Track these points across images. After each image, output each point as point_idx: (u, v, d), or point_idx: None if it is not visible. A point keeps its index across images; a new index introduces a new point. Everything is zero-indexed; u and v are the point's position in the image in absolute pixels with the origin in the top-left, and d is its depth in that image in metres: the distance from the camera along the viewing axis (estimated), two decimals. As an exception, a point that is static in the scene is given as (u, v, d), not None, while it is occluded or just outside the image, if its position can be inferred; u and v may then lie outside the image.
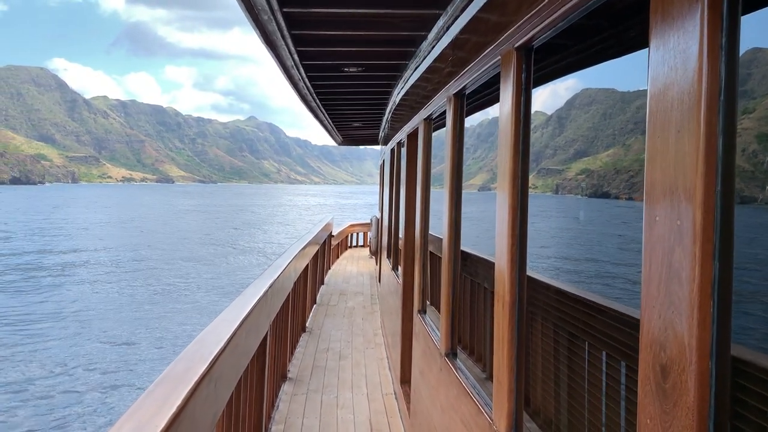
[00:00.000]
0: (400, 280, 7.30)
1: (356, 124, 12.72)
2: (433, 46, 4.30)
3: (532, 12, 2.26)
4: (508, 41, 2.58)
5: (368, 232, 23.60)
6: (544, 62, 2.49)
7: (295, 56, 5.53)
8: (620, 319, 2.09)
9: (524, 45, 2.45)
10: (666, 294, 1.29)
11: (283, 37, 4.81)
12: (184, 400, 2.35)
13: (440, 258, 4.98)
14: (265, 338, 5.14)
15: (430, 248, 5.34)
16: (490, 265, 3.55)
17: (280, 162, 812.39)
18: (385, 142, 12.25)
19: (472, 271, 3.76)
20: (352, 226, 23.90)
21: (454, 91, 3.75)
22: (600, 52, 2.29)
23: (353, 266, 18.97)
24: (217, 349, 3.03)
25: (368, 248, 22.07)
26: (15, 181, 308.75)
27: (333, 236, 17.45)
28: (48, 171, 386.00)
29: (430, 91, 4.97)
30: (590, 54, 2.35)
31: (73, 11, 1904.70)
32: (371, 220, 18.82)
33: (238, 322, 3.63)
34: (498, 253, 2.64)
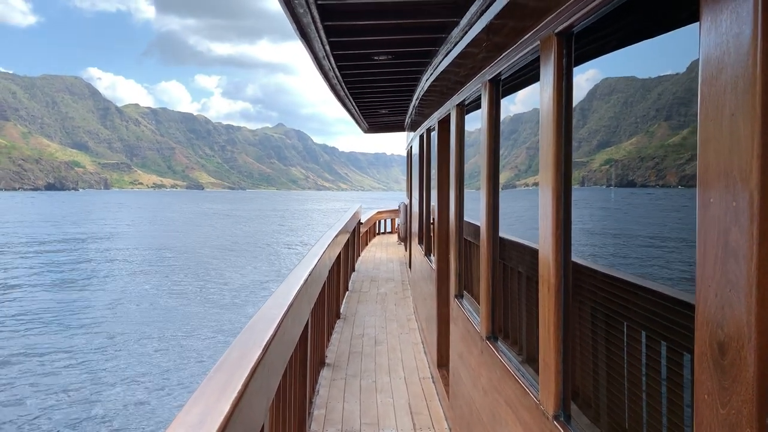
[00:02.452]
0: (434, 266, 7.33)
1: (383, 111, 12.71)
2: (466, 32, 4.29)
3: None
4: (548, 27, 2.55)
5: (396, 219, 23.63)
6: (579, 47, 2.46)
7: (327, 47, 5.61)
8: (659, 298, 2.07)
9: (565, 30, 2.42)
10: (722, 273, 1.30)
11: (316, 29, 4.88)
12: (243, 386, 2.42)
13: (473, 243, 5.03)
14: (306, 325, 5.24)
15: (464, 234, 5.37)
16: (523, 249, 3.58)
17: (308, 168, 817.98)
18: (412, 128, 12.18)
19: (505, 255, 3.79)
20: (379, 213, 23.88)
21: (490, 77, 3.74)
22: (634, 33, 2.22)
23: (382, 253, 18.99)
24: (267, 337, 3.13)
25: (396, 234, 22.19)
26: (50, 187, 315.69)
27: (361, 223, 17.51)
28: (81, 177, 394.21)
29: (462, 77, 4.97)
30: (624, 36, 2.27)
31: (107, 22, 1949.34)
32: (399, 206, 18.75)
33: (284, 310, 3.73)
34: (542, 238, 2.66)
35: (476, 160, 4.83)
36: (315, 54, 6.02)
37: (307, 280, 4.99)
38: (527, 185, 3.68)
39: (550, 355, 2.55)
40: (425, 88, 7.32)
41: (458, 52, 4.72)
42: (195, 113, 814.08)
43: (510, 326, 3.75)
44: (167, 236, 64.67)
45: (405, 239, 16.42)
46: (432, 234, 8.13)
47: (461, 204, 5.28)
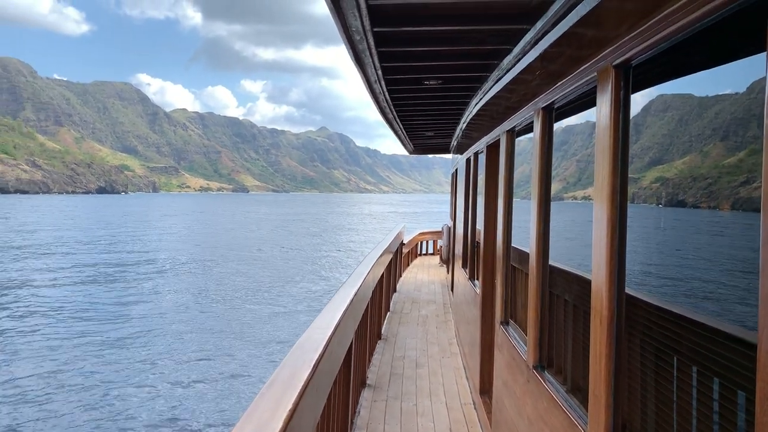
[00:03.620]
0: (479, 291, 7.27)
1: (429, 134, 12.88)
2: (519, 60, 4.33)
3: (636, 32, 2.22)
4: (606, 58, 2.55)
5: (438, 240, 23.45)
6: (636, 76, 2.43)
7: (379, 71, 5.70)
8: (712, 333, 2.01)
9: (623, 63, 2.41)
10: None
11: (370, 54, 4.98)
12: (294, 405, 2.46)
13: (517, 269, 5.05)
14: (350, 345, 5.23)
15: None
16: (569, 277, 3.54)
17: (350, 171, 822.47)
18: (458, 151, 12.21)
19: (551, 282, 3.75)
20: (422, 234, 23.85)
21: (543, 105, 3.76)
22: (694, 64, 2.19)
23: (424, 274, 18.95)
24: (316, 357, 3.15)
25: (439, 256, 22.02)
26: (101, 190, 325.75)
27: (404, 244, 17.54)
28: (131, 181, 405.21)
29: (513, 103, 5.00)
30: (683, 66, 2.25)
31: (156, 28, 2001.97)
32: (442, 228, 18.65)
33: (331, 331, 3.75)
34: (595, 268, 2.64)
35: (523, 169, 4.90)
36: (367, 78, 6.10)
37: (353, 300, 5.00)
38: (575, 198, 3.57)
39: (600, 388, 2.52)
40: (473, 113, 7.30)
41: (510, 78, 4.72)
42: (240, 117, 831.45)
43: (555, 355, 3.71)
44: (230, 240, 65.75)
45: (447, 261, 16.26)
46: (477, 258, 8.16)
47: (509, 230, 5.25)
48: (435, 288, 16.22)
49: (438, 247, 23.49)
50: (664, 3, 1.98)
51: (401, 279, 17.14)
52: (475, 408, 7.15)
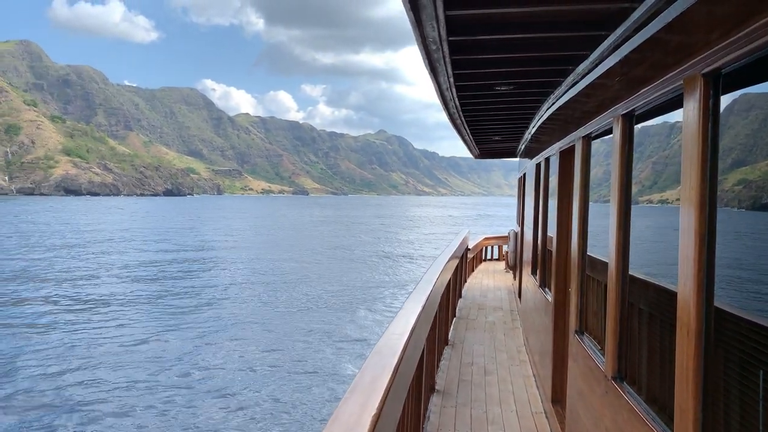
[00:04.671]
0: (551, 299, 7.17)
1: (496, 138, 12.71)
2: (596, 65, 4.31)
3: (729, 40, 2.15)
4: (694, 66, 2.48)
5: (503, 246, 23.28)
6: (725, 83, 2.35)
7: (451, 79, 5.78)
8: None
9: (713, 72, 2.34)
10: None
11: (444, 63, 5.07)
12: (378, 410, 2.48)
13: (591, 278, 5.02)
14: (423, 351, 5.26)
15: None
16: (646, 286, 3.51)
17: (408, 174, 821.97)
18: (526, 155, 12.09)
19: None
20: (487, 239, 23.60)
21: (623, 112, 3.72)
22: None
23: (489, 280, 18.82)
24: (395, 362, 3.17)
25: (504, 262, 21.75)
26: (168, 192, 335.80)
27: (469, 249, 17.29)
28: (196, 183, 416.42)
29: (590, 109, 4.99)
30: None
31: (220, 35, 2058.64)
32: (509, 233, 18.45)
33: (406, 336, 3.78)
34: (682, 279, 2.58)
35: (595, 172, 4.90)
36: (439, 85, 6.22)
37: (425, 305, 5.02)
38: (651, 202, 3.50)
39: (687, 402, 2.46)
40: (545, 117, 7.26)
41: (586, 84, 4.71)
42: (301, 121, 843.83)
43: (633, 366, 3.66)
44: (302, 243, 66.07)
45: (514, 267, 16.19)
46: (548, 265, 7.96)
47: (585, 237, 5.18)
48: (501, 294, 16.02)
49: (503, 253, 23.36)
50: (761, 11, 1.91)
51: (466, 284, 16.93)
52: (546, 417, 7.04)
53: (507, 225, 24.99)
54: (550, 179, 8.02)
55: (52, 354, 20.28)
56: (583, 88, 4.85)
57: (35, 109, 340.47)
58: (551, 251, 7.45)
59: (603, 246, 4.48)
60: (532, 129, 9.07)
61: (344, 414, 2.43)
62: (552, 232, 7.43)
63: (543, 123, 7.66)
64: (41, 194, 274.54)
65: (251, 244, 63.91)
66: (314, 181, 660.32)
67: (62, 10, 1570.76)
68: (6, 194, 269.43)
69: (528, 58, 5.37)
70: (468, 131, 10.88)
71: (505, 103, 8.02)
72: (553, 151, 7.43)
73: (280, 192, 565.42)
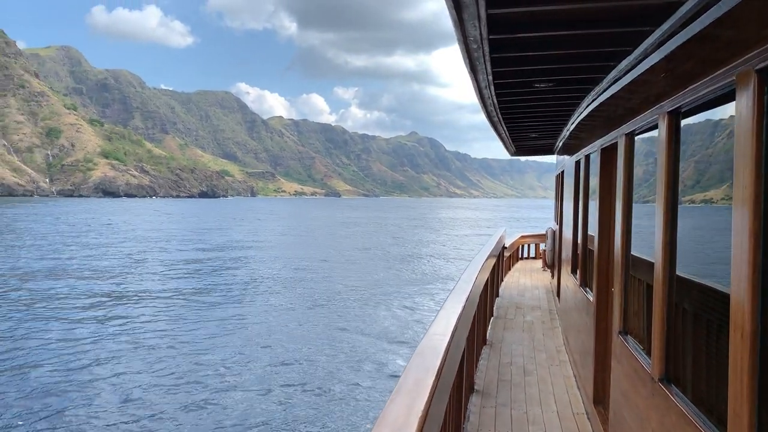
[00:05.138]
0: (592, 299, 7.09)
1: (533, 135, 12.64)
2: (640, 61, 4.26)
3: None
4: (748, 62, 2.43)
5: (541, 244, 22.99)
6: None
7: (490, 77, 5.80)
8: None
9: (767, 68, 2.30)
10: None
11: (484, 61, 5.11)
12: (425, 411, 2.49)
13: (633, 277, 4.99)
14: (464, 351, 5.25)
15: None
16: (691, 286, 3.49)
17: (439, 176, 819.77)
18: (564, 152, 12.02)
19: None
20: (523, 237, 23.32)
21: (669, 109, 3.66)
22: None
23: (527, 279, 18.60)
24: (438, 363, 3.17)
25: (542, 260, 21.36)
26: (203, 194, 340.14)
27: (506, 248, 17.06)
28: (231, 186, 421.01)
29: (633, 106, 4.95)
30: None
31: (254, 39, 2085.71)
32: (546, 231, 18.21)
33: (448, 337, 3.77)
34: (735, 280, 2.55)
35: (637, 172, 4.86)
36: (478, 84, 6.24)
37: (465, 305, 5.02)
38: (693, 202, 3.45)
39: (742, 407, 2.41)
40: (584, 114, 7.24)
41: (629, 80, 4.66)
42: (333, 124, 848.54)
43: (681, 367, 3.61)
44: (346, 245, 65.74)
45: (552, 266, 16.01)
46: (590, 264, 7.87)
47: (629, 237, 5.12)
48: (539, 294, 15.81)
49: (540, 251, 23.04)
50: None
51: (503, 283, 16.84)
52: (588, 418, 6.98)
53: (541, 228, 24.47)
54: (591, 177, 7.94)
55: (103, 346, 20.63)
56: (626, 85, 4.79)
57: (75, 112, 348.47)
58: (592, 250, 7.33)
59: (643, 245, 4.40)
60: (571, 126, 8.92)
61: (391, 415, 2.43)
62: (593, 230, 7.30)
63: (582, 120, 7.58)
64: (80, 196, 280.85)
65: (287, 244, 64.21)
66: (346, 183, 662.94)
67: (101, 15, 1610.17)
68: (47, 196, 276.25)
69: (568, 54, 5.34)
70: (505, 129, 10.78)
71: (544, 100, 8.00)
72: (594, 148, 7.33)
73: (312, 194, 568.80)
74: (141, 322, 24.53)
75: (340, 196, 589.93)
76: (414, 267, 45.49)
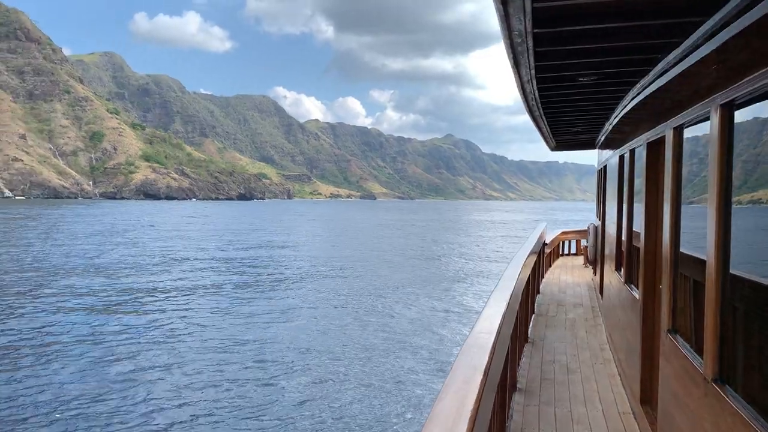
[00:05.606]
0: (639, 296, 6.95)
1: (574, 129, 12.35)
2: (689, 53, 4.15)
3: None
4: None
5: (582, 240, 22.77)
6: None
7: (532, 71, 5.82)
8: None
9: None
10: None
11: (527, 55, 5.10)
12: (474, 410, 2.48)
13: (681, 274, 4.93)
14: (508, 349, 5.21)
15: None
16: (746, 283, 3.45)
17: (476, 178, 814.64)
18: (606, 147, 11.83)
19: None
20: (564, 233, 23.06)
21: (722, 102, 3.59)
22: None
23: (568, 275, 18.36)
24: (485, 362, 3.17)
25: (583, 257, 21.17)
26: (241, 197, 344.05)
27: (546, 244, 16.83)
28: (268, 188, 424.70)
29: (682, 98, 4.84)
30: None
31: (292, 43, 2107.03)
32: (588, 227, 17.85)
33: (494, 336, 3.75)
34: None
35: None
36: (521, 78, 6.24)
37: (509, 303, 4.99)
38: (740, 203, 3.41)
39: None
40: (629, 107, 7.12)
41: (678, 72, 4.55)
42: (369, 127, 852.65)
43: (737, 368, 3.55)
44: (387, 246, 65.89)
45: (594, 262, 15.80)
46: (635, 261, 7.72)
47: (677, 233, 5.02)
48: (581, 291, 15.60)
49: (581, 247, 22.81)
50: None
51: (544, 280, 16.60)
52: (635, 418, 6.87)
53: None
54: (636, 172, 7.77)
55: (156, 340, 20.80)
56: (675, 77, 4.69)
57: (117, 117, 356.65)
58: (638, 247, 7.22)
59: (690, 242, 4.34)
60: (614, 120, 8.78)
61: (441, 414, 2.43)
62: (638, 226, 7.15)
63: (627, 113, 7.48)
64: (122, 198, 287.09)
65: (328, 243, 64.50)
66: (381, 186, 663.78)
67: (143, 22, 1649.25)
68: (90, 198, 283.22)
69: (613, 47, 5.29)
70: (546, 123, 10.63)
71: (586, 94, 7.94)
72: (640, 142, 7.17)
73: (348, 196, 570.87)
74: (189, 318, 24.72)
75: (375, 198, 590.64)
76: (453, 266, 45.19)
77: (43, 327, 22.64)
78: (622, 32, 4.78)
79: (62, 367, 17.48)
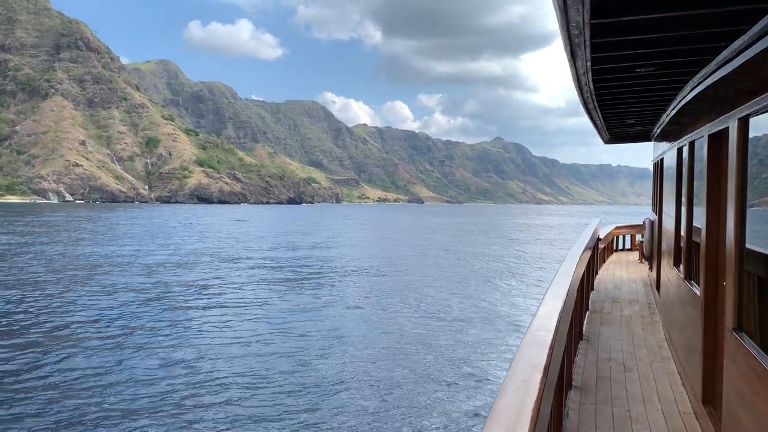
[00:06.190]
0: (700, 293, 6.79)
1: (629, 121, 12.28)
2: (756, 41, 4.05)
3: None
4: None
5: (637, 235, 22.49)
6: None
7: (589, 63, 5.76)
8: None
9: None
10: None
11: (584, 47, 5.07)
12: (536, 409, 2.46)
13: (749, 272, 4.84)
14: (564, 347, 5.19)
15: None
16: None
17: (526, 182, 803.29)
18: (663, 138, 11.74)
19: None
20: (618, 228, 22.56)
21: None
22: None
23: (622, 271, 18.01)
24: (545, 360, 3.14)
25: (638, 252, 20.80)
26: (290, 201, 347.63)
27: (600, 239, 16.53)
28: (317, 192, 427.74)
29: (747, 88, 4.76)
30: None
31: (341, 49, 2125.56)
32: (644, 222, 17.84)
33: (552, 333, 3.71)
34: None
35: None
36: (576, 70, 6.20)
37: (565, 301, 4.92)
38: None
39: None
40: (688, 98, 7.06)
41: (744, 60, 4.47)
42: (416, 131, 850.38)
43: None
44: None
45: (650, 258, 15.62)
46: (696, 257, 7.53)
47: (743, 228, 4.91)
48: (636, 287, 15.28)
49: (636, 243, 22.64)
50: None
51: (598, 276, 16.34)
52: (697, 418, 6.70)
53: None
54: (696, 165, 7.55)
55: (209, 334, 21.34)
56: (740, 66, 4.58)
57: (172, 123, 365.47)
58: (698, 242, 7.03)
59: (754, 236, 4.27)
60: (672, 111, 8.64)
61: (502, 413, 2.40)
62: (699, 221, 6.95)
63: (686, 104, 7.35)
64: (176, 202, 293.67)
65: (381, 244, 64.42)
66: (429, 190, 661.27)
67: (196, 30, 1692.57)
68: (146, 202, 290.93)
69: (673, 37, 5.19)
70: (600, 115, 10.55)
71: (643, 85, 7.85)
72: (701, 134, 6.94)
73: (395, 200, 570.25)
74: (245, 316, 24.91)
75: (423, 202, 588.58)
76: (506, 266, 44.81)
77: (116, 317, 23.98)
78: (684, 21, 4.64)
79: (125, 355, 18.32)
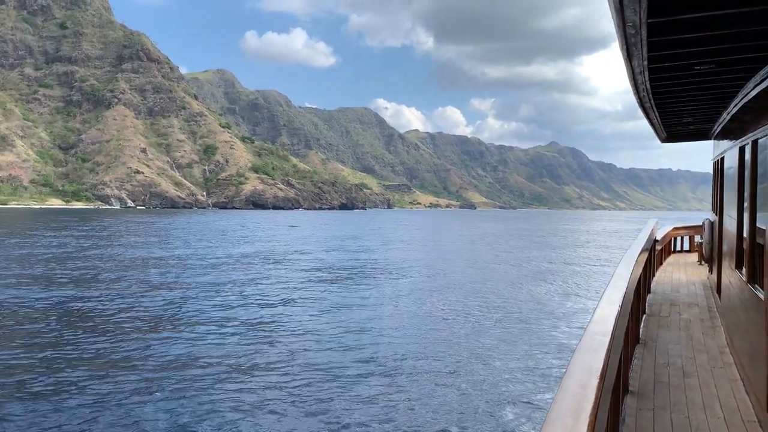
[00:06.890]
0: (764, 296, 6.64)
1: (687, 120, 11.96)
2: None
3: None
4: None
5: (696, 237, 22.14)
6: None
7: (645, 62, 5.70)
8: None
9: None
10: None
11: (641, 46, 5.02)
12: (593, 414, 2.43)
13: None
14: (621, 351, 5.15)
15: None
16: None
17: (582, 187, 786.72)
18: (723, 137, 11.59)
19: None
20: (676, 229, 22.12)
21: None
22: None
23: (680, 274, 17.55)
24: (602, 364, 3.11)
25: (697, 254, 20.42)
26: (343, 206, 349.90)
27: (657, 241, 16.14)
28: (368, 198, 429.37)
29: None
30: None
31: (392, 56, 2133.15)
32: (703, 223, 17.44)
33: (609, 337, 3.66)
34: None
35: None
36: (633, 69, 6.16)
37: (621, 304, 4.85)
38: None
39: None
40: (751, 96, 6.97)
41: None
42: (469, 136, 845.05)
43: None
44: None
45: (710, 260, 15.33)
46: (760, 259, 7.43)
47: None
48: (695, 289, 14.97)
49: (695, 244, 22.19)
50: None
51: (655, 278, 15.92)
52: (761, 426, 6.53)
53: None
54: (760, 164, 7.47)
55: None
56: None
57: (229, 131, 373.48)
58: (762, 244, 6.90)
59: None
60: (733, 109, 8.53)
61: (558, 418, 2.38)
62: (764, 222, 6.86)
63: (748, 102, 7.21)
64: (233, 208, 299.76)
65: (435, 249, 64.51)
66: (482, 195, 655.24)
67: (252, 40, 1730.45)
68: (204, 207, 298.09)
69: (732, 34, 5.12)
70: (657, 114, 10.42)
71: (701, 83, 7.75)
72: (765, 132, 6.85)
73: (447, 206, 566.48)
74: (297, 315, 25.42)
75: (475, 208, 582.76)
76: (560, 271, 43.83)
77: (188, 311, 25.61)
78: (745, 17, 4.56)
79: (182, 343, 19.55)
